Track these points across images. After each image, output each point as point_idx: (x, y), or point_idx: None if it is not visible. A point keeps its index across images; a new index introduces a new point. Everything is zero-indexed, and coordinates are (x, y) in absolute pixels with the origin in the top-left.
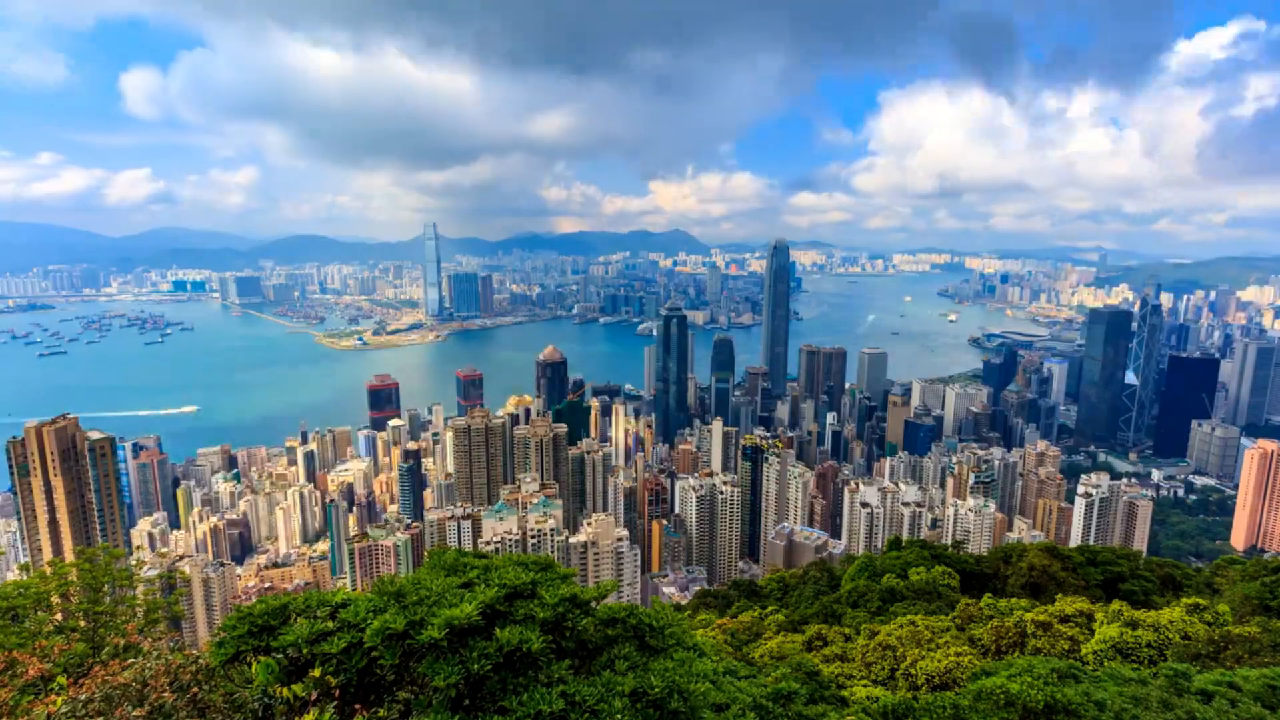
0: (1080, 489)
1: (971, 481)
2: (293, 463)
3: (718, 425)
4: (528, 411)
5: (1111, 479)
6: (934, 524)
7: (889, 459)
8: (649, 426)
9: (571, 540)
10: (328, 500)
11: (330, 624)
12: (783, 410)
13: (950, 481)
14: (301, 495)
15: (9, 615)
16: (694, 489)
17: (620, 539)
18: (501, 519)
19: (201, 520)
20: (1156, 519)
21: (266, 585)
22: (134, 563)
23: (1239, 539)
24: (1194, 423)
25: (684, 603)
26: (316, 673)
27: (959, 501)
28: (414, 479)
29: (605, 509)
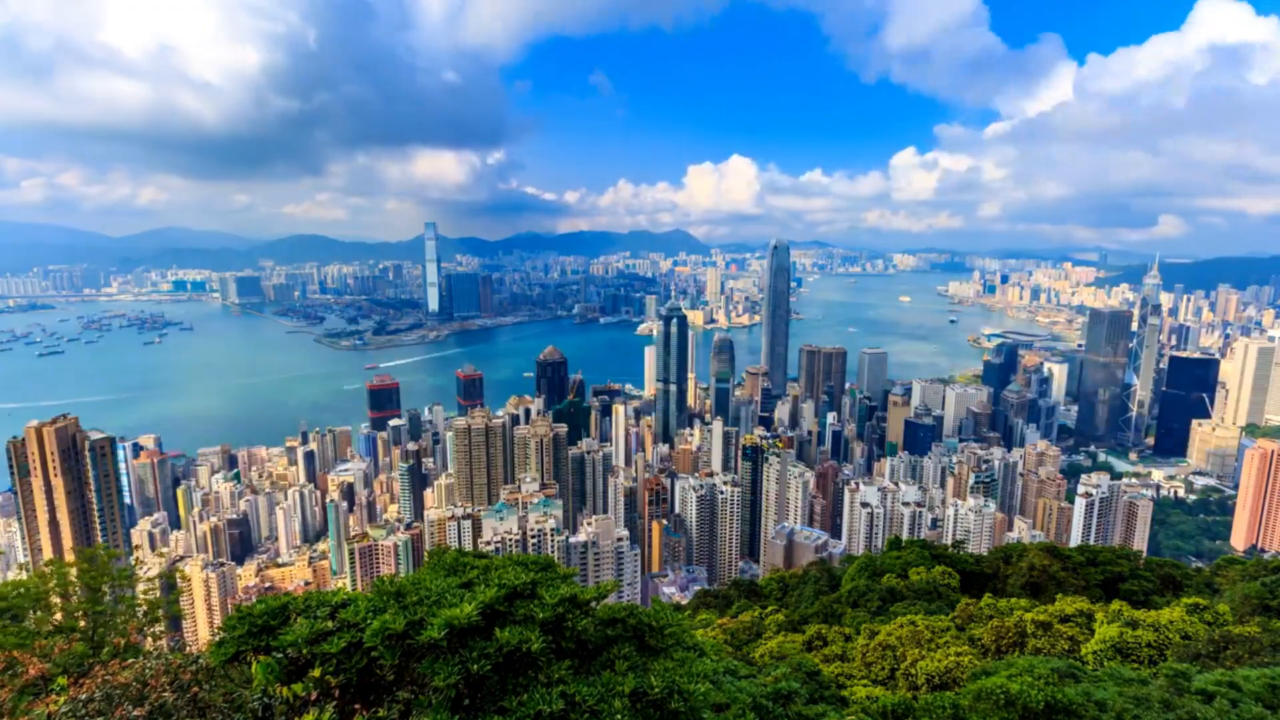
0: (1080, 489)
1: (971, 481)
2: (293, 463)
3: (718, 425)
4: (528, 411)
5: (1111, 479)
6: (934, 524)
7: (889, 459)
8: (649, 427)
9: (572, 540)
10: (328, 500)
11: (330, 624)
12: (783, 410)
13: (950, 481)
14: (301, 495)
15: (9, 615)
16: (694, 489)
17: (620, 539)
18: (502, 519)
19: (201, 520)
20: (1156, 519)
21: (266, 585)
22: (134, 562)
23: (1239, 539)
24: (1194, 423)
25: (684, 603)
26: (316, 673)
27: (959, 501)
28: (414, 479)
29: (605, 509)
